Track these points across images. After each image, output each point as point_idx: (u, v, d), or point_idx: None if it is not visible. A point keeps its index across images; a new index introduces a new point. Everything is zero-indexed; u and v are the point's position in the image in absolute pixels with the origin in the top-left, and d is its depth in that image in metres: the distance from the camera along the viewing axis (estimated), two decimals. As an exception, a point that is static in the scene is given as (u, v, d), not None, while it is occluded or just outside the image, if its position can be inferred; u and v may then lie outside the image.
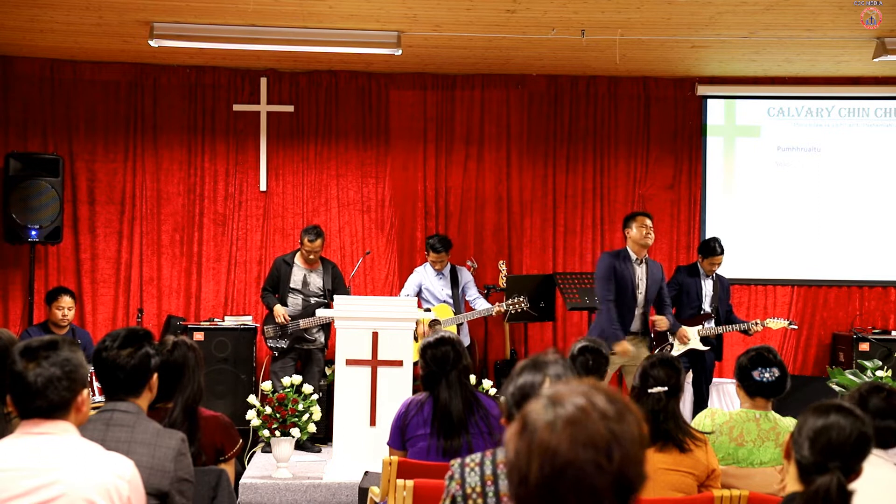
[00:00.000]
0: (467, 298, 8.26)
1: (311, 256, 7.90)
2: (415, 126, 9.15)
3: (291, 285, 7.94)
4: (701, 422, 4.26)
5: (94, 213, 8.89)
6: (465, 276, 8.34)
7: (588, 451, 1.53)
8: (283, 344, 7.85)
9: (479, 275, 8.70)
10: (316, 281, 7.96)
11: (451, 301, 8.22)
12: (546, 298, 8.31)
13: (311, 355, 7.93)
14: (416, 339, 7.80)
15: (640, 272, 7.12)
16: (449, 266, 8.33)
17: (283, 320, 7.80)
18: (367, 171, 9.11)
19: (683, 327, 7.95)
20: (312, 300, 7.92)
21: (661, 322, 7.36)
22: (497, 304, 7.98)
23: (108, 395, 3.06)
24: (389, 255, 9.10)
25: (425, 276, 8.31)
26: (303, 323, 7.83)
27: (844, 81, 9.15)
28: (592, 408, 1.56)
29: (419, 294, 8.30)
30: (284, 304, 7.91)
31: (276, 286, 7.98)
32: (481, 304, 8.14)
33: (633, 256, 7.10)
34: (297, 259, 7.99)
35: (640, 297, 7.12)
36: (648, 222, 7.13)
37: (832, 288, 9.30)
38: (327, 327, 7.99)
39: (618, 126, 9.26)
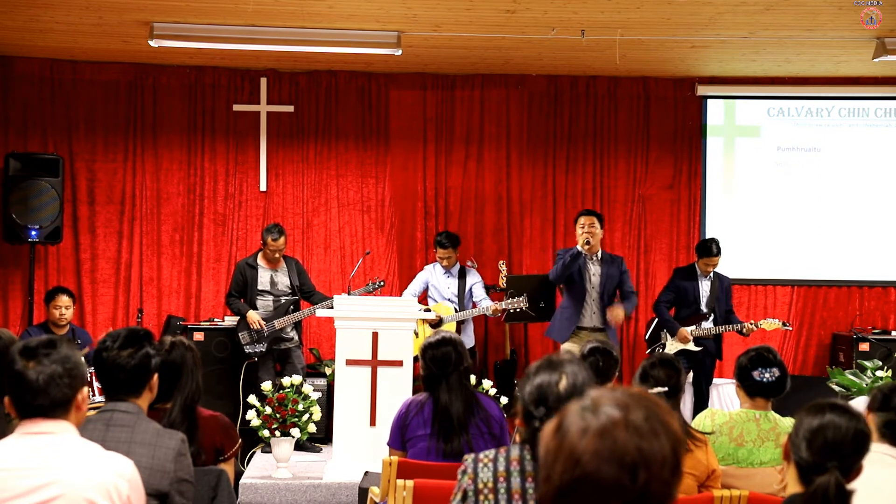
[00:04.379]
0: (474, 299, 8.24)
1: (276, 255, 7.87)
2: (415, 126, 9.15)
3: (259, 287, 7.90)
4: (701, 422, 4.26)
5: (93, 213, 8.89)
6: (474, 277, 8.32)
7: (611, 467, 1.50)
8: (262, 348, 7.82)
9: (479, 275, 8.68)
10: (283, 280, 7.95)
11: (455, 300, 8.21)
12: (546, 298, 8.30)
13: (289, 354, 7.90)
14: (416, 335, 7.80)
15: (594, 269, 7.54)
16: (458, 266, 8.33)
17: (258, 326, 7.77)
18: (366, 171, 9.11)
19: (682, 328, 7.95)
20: (283, 299, 7.91)
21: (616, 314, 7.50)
22: (496, 302, 7.97)
23: (109, 395, 3.06)
24: (389, 255, 9.10)
25: (433, 274, 8.32)
26: (278, 323, 7.82)
27: (844, 81, 9.14)
28: (626, 422, 1.52)
29: (426, 292, 8.31)
30: (254, 306, 7.87)
31: (243, 291, 7.92)
32: (485, 305, 8.12)
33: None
34: (260, 260, 7.93)
35: (594, 291, 7.51)
36: (581, 220, 7.53)
37: (832, 288, 9.29)
38: (300, 325, 8.02)
39: (617, 126, 9.25)
